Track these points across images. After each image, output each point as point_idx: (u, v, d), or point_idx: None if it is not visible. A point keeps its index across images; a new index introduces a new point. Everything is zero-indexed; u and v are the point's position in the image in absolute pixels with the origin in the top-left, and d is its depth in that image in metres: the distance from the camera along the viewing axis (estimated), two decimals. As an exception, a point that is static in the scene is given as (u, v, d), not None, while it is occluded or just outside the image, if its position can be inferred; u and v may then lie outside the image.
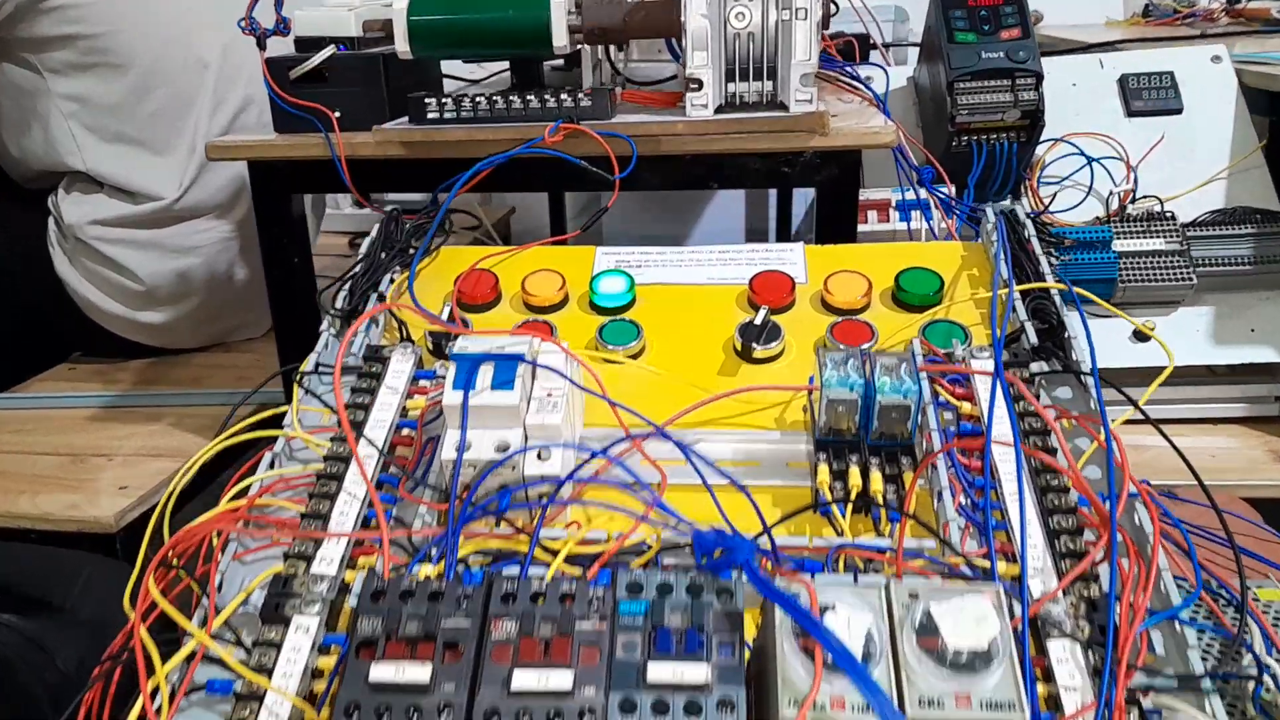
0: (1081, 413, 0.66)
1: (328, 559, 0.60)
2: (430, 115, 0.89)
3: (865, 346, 0.72)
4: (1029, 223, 0.79)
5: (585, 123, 0.86)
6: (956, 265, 0.80)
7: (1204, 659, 0.59)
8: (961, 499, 0.61)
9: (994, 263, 0.77)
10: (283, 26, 0.99)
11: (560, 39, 0.90)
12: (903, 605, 0.46)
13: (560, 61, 1.09)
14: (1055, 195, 1.18)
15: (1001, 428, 0.63)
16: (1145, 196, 1.15)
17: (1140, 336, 1.11)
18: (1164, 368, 1.11)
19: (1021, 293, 0.73)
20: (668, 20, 0.89)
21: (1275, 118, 1.20)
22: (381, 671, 0.45)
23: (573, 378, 0.64)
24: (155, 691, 0.51)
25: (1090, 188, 1.18)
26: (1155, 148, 1.20)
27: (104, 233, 1.34)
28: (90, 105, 1.32)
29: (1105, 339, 1.11)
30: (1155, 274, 1.09)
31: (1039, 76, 1.10)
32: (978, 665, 0.44)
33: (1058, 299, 0.73)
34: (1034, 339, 0.70)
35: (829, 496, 0.60)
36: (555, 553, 0.56)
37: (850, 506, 0.60)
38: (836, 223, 0.92)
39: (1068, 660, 0.52)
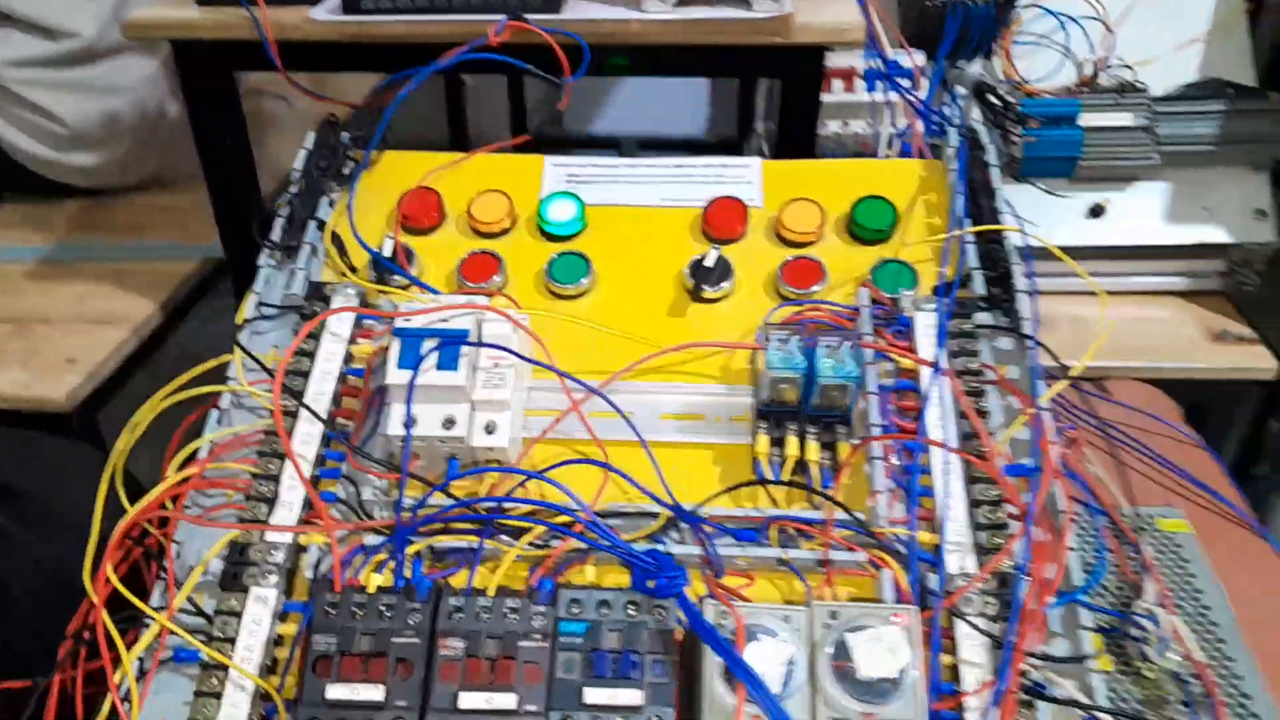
0: (1020, 371, 0.68)
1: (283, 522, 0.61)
2: (365, 4, 0.82)
3: (815, 289, 0.72)
4: (991, 146, 0.77)
5: (533, 17, 0.80)
6: (913, 188, 0.78)
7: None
8: (894, 460, 0.63)
9: (952, 193, 0.76)
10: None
11: (505, -90, 0.82)
12: (823, 625, 0.50)
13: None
14: (1030, 60, 1.13)
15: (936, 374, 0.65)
16: (1120, 64, 1.11)
17: (1095, 212, 1.11)
18: (1117, 247, 1.12)
19: (975, 232, 0.73)
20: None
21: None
22: (338, 691, 0.49)
23: (520, 345, 0.64)
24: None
25: (1067, 50, 1.13)
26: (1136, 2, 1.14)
27: (23, 74, 1.26)
28: None
29: (1060, 214, 1.11)
30: (1119, 150, 1.08)
31: (1022, -68, 1.03)
32: (887, 690, 0.48)
33: (1009, 241, 0.72)
34: (981, 289, 0.70)
35: (766, 468, 0.63)
36: (507, 522, 0.59)
37: (786, 475, 0.63)
38: (798, 117, 0.89)
39: (973, 636, 0.56)
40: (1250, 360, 1.05)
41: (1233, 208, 1.10)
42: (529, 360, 0.65)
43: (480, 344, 0.61)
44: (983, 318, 0.70)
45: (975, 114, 1.07)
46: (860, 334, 0.65)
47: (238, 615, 0.58)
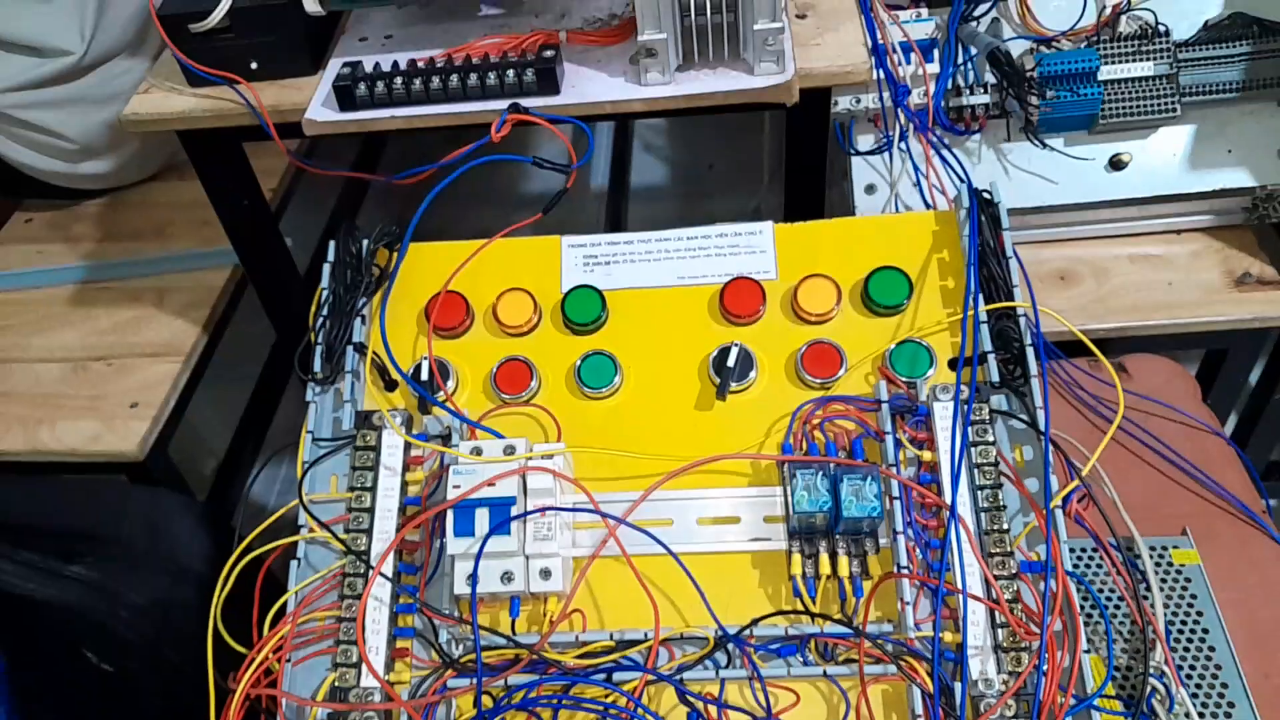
0: (1034, 454, 0.71)
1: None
2: (360, 97, 0.81)
3: (836, 376, 0.75)
4: (1004, 212, 0.77)
5: (532, 104, 0.79)
6: (927, 247, 0.79)
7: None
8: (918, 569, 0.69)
9: (965, 262, 0.76)
10: (160, -50, 0.86)
11: (488, -17, 0.80)
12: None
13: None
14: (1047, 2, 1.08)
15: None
16: (1138, 6, 1.05)
17: (1116, 164, 1.09)
18: (1139, 199, 1.11)
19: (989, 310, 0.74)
20: (609, -49, 0.78)
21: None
22: None
23: (560, 493, 0.69)
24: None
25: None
26: (1161, -76, 1.07)
27: (20, 99, 1.24)
28: None
29: (1081, 168, 1.10)
30: (1140, 103, 1.05)
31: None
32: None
33: (1023, 319, 0.74)
34: (995, 376, 0.72)
35: (802, 587, 0.68)
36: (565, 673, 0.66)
37: (820, 590, 0.69)
38: (805, 156, 0.88)
39: (997, 739, 0.64)
40: (1270, 308, 1.06)
41: (1256, 148, 1.08)
42: (570, 510, 0.70)
43: (525, 514, 0.66)
44: (998, 400, 0.73)
45: (990, 78, 1.05)
46: (878, 469, 0.68)
47: (349, 759, 0.67)
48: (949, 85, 1.06)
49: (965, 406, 0.70)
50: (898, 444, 0.72)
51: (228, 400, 1.42)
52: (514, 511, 0.66)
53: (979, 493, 0.70)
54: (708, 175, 2.12)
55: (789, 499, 0.67)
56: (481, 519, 0.66)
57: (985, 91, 1.06)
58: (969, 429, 0.71)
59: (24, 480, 1.12)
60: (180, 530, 1.09)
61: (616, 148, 1.95)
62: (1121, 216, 1.13)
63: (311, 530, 0.73)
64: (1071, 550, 0.80)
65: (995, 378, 0.72)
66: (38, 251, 1.37)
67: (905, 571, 0.68)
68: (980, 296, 0.75)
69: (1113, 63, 1.04)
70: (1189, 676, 0.74)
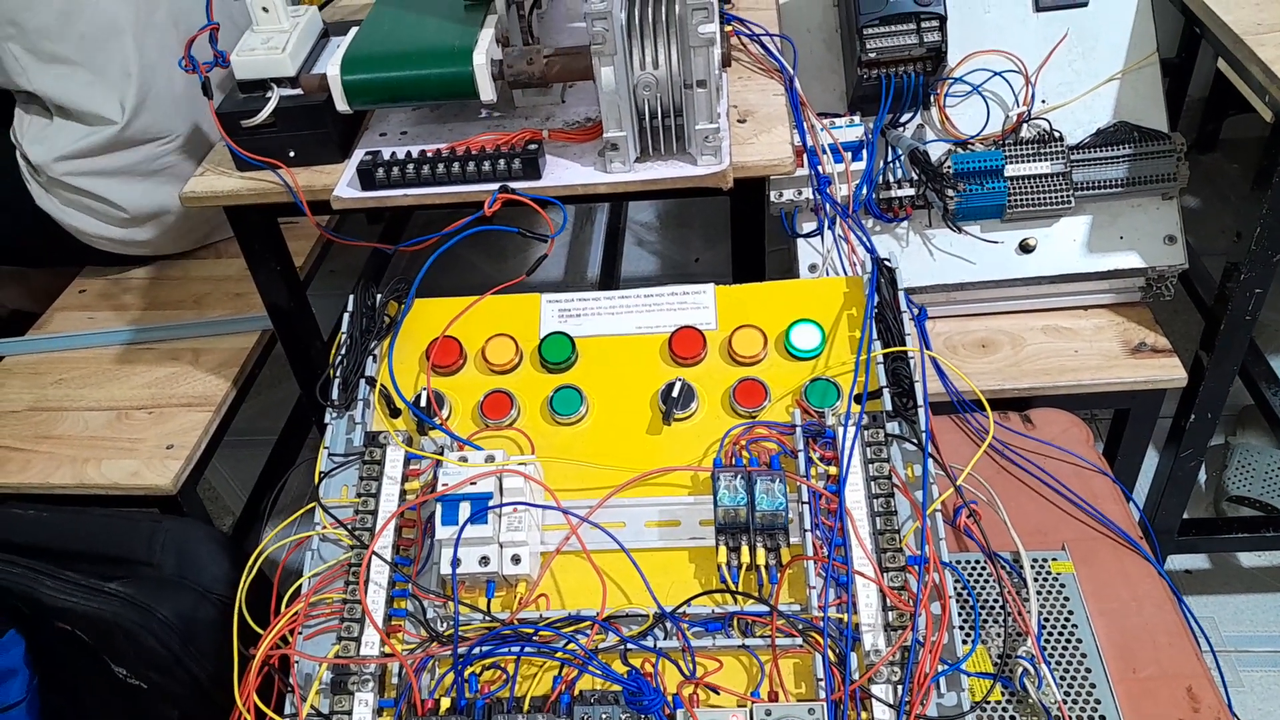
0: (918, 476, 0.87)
1: (371, 642, 0.83)
2: (379, 179, 1.00)
3: (761, 406, 0.91)
4: (900, 277, 0.94)
5: (518, 185, 0.97)
6: (839, 305, 0.96)
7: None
8: (823, 556, 0.83)
9: (864, 316, 0.93)
10: (221, 60, 1.06)
11: (487, 93, 0.98)
12: (760, 720, 0.71)
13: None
14: (963, 109, 1.27)
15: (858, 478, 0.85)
16: (1038, 116, 1.25)
17: (1025, 248, 1.27)
18: (1045, 277, 1.28)
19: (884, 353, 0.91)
20: (585, 67, 0.97)
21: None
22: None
23: (531, 493, 0.84)
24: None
25: (996, 96, 1.26)
26: (1057, 48, 1.27)
27: (72, 167, 1.43)
28: (24, 29, 1.37)
29: (995, 251, 1.28)
30: (1040, 197, 1.23)
31: (943, 18, 1.16)
32: (805, 766, 0.69)
33: (912, 360, 0.90)
34: (889, 406, 0.88)
35: (726, 573, 0.83)
36: (532, 629, 0.80)
37: (743, 576, 0.83)
38: (746, 228, 1.06)
39: (885, 695, 0.77)
40: (1162, 372, 1.22)
41: (1145, 235, 1.25)
42: (539, 505, 0.85)
43: (501, 505, 0.81)
44: (892, 427, 0.88)
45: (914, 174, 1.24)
46: (784, 474, 0.83)
47: (348, 714, 0.81)
48: (880, 180, 1.25)
49: (856, 429, 0.86)
50: (809, 461, 0.87)
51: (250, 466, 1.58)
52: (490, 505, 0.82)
53: (874, 500, 0.85)
54: (693, 265, 2.34)
55: (715, 498, 0.82)
56: (464, 511, 0.81)
57: (911, 185, 1.24)
58: (867, 449, 0.87)
59: (71, 510, 1.26)
60: (204, 556, 1.23)
61: (608, 247, 2.15)
62: (1032, 293, 1.30)
63: (324, 528, 0.88)
64: (965, 561, 0.95)
65: (889, 407, 0.88)
66: (89, 318, 1.55)
67: (811, 562, 0.82)
68: (878, 342, 0.91)
69: (1016, 162, 1.23)
70: (1058, 664, 0.87)
